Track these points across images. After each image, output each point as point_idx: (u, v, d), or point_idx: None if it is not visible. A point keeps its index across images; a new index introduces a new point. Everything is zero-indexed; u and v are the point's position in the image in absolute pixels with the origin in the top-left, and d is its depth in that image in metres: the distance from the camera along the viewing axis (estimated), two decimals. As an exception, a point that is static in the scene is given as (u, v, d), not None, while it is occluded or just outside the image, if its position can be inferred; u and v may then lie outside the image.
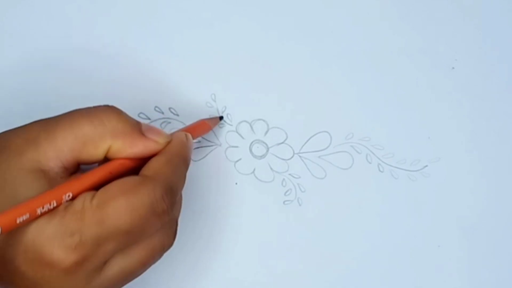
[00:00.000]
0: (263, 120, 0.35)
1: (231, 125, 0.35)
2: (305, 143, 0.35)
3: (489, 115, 0.36)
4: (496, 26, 0.36)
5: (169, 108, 0.34)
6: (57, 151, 0.24)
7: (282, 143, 0.35)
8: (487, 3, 0.36)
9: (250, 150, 0.35)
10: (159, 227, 0.25)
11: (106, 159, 0.26)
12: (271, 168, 0.34)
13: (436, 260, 0.35)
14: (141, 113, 0.34)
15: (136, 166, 0.26)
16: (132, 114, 0.34)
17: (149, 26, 0.35)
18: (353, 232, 0.34)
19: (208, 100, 0.35)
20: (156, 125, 0.34)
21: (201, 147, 0.34)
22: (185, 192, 0.31)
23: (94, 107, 0.26)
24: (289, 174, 0.34)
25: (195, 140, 0.32)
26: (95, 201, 0.23)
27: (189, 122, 0.34)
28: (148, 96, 0.34)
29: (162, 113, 0.34)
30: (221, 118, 0.34)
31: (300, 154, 0.35)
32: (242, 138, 0.35)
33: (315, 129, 0.35)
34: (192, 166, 0.34)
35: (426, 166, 0.35)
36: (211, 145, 0.34)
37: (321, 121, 0.35)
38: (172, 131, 0.34)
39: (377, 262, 0.34)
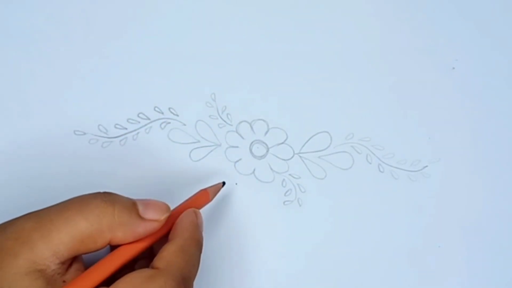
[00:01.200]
0: (263, 120, 0.35)
1: (231, 125, 0.35)
2: (305, 143, 0.35)
3: (489, 115, 0.36)
4: (496, 26, 0.36)
5: (169, 108, 0.34)
6: (53, 250, 0.24)
7: (282, 143, 0.35)
8: (487, 3, 0.36)
9: (250, 150, 0.35)
10: None
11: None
12: (271, 168, 0.34)
13: (436, 260, 0.35)
14: (141, 113, 0.34)
15: (142, 248, 0.26)
16: (132, 114, 0.34)
17: (149, 26, 0.35)
18: (353, 232, 0.34)
19: (208, 100, 0.35)
20: (156, 125, 0.34)
21: (201, 147, 0.34)
22: (185, 193, 0.31)
23: (88, 198, 0.25)
24: (289, 175, 0.34)
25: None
26: None
27: (189, 122, 0.34)
28: (148, 96, 0.34)
29: (162, 113, 0.34)
30: (223, 184, 0.33)
31: (300, 154, 0.35)
32: (242, 138, 0.35)
33: (315, 129, 0.35)
34: (191, 167, 0.34)
35: (426, 166, 0.35)
36: (211, 145, 0.34)
37: (321, 121, 0.35)
38: (172, 131, 0.34)
39: (378, 262, 0.34)
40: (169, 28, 0.35)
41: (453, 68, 0.36)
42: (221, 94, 0.35)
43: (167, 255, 0.25)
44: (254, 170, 0.34)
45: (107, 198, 0.25)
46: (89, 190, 0.33)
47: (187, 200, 0.30)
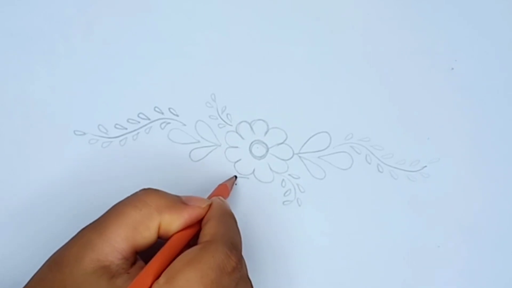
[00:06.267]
0: (263, 120, 0.35)
1: (231, 125, 0.35)
2: (305, 143, 0.35)
3: (489, 116, 0.36)
4: (496, 26, 0.36)
5: (169, 108, 0.34)
6: (112, 245, 0.25)
7: (282, 143, 0.35)
8: (487, 3, 0.36)
9: (250, 151, 0.35)
10: (234, 287, 0.25)
11: (159, 241, 0.27)
12: (271, 169, 0.35)
13: (436, 260, 0.35)
14: (141, 113, 0.34)
15: (188, 241, 0.27)
16: (132, 114, 0.34)
17: (150, 26, 0.35)
18: (352, 232, 0.34)
19: (208, 100, 0.35)
20: (156, 125, 0.34)
21: (201, 147, 0.34)
22: (185, 193, 0.31)
23: (133, 194, 0.27)
24: (289, 175, 0.35)
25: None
26: (163, 279, 0.23)
27: (189, 122, 0.34)
28: (148, 96, 0.34)
29: (162, 113, 0.34)
30: (235, 177, 0.34)
31: (300, 155, 0.35)
32: (242, 138, 0.35)
33: (315, 130, 0.35)
34: (191, 167, 0.34)
35: (426, 166, 0.35)
36: (211, 146, 0.34)
37: (320, 122, 0.35)
38: (172, 131, 0.34)
39: (377, 262, 0.34)
40: (170, 28, 0.35)
41: (452, 68, 0.36)
42: (221, 94, 0.35)
43: (210, 230, 0.27)
44: (254, 170, 0.34)
45: (151, 189, 0.27)
46: (89, 190, 0.33)
47: (209, 196, 0.31)
